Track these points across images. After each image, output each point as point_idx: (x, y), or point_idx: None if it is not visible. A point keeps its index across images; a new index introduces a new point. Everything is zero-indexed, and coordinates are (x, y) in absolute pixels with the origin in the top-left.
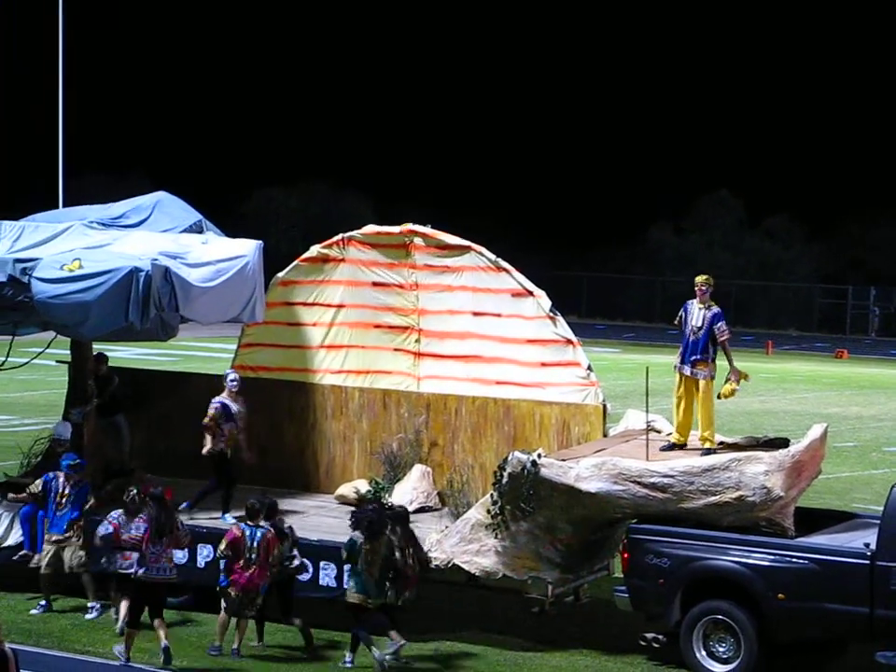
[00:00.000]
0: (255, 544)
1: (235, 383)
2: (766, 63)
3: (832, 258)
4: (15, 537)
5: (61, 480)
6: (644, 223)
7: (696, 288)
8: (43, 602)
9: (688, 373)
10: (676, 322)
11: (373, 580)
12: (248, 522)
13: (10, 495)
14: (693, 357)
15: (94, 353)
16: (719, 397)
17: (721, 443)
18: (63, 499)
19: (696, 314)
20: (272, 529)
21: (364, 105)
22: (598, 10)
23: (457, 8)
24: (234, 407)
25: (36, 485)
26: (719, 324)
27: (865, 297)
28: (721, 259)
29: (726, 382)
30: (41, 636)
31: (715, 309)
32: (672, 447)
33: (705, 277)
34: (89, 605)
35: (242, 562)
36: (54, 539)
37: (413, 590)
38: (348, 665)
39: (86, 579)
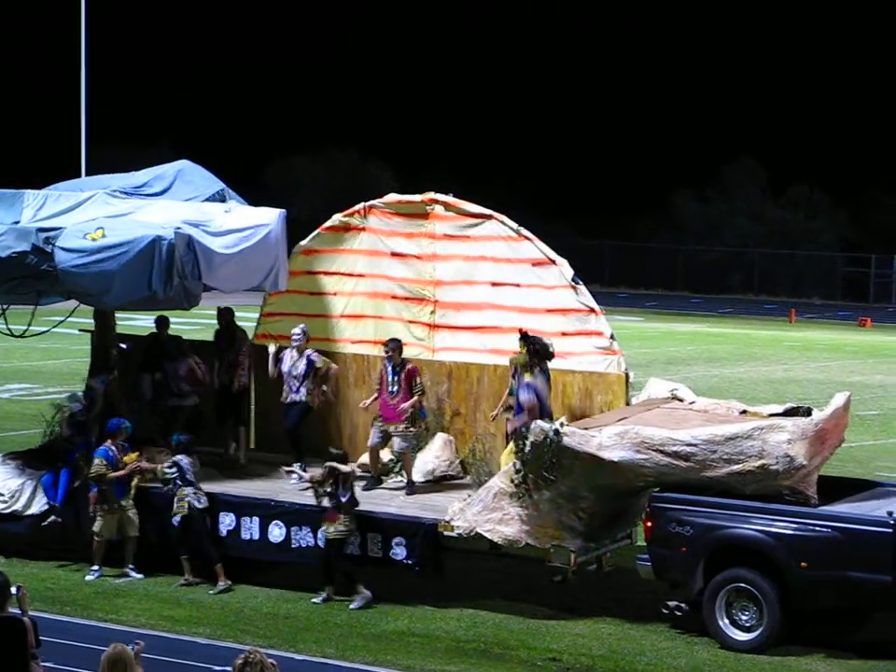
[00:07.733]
0: None
1: (298, 337)
2: (790, 30)
3: (855, 226)
4: (39, 505)
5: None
6: (667, 191)
7: None
8: (96, 568)
9: None
10: None
11: None
12: None
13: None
14: None
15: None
16: None
17: (743, 411)
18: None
19: None
20: None
21: (388, 72)
22: None
23: None
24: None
25: (97, 464)
26: None
27: (888, 266)
28: (744, 227)
29: None
30: (65, 603)
31: None
32: None
33: None
34: (127, 567)
35: None
36: (119, 505)
37: None
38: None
39: (130, 546)
